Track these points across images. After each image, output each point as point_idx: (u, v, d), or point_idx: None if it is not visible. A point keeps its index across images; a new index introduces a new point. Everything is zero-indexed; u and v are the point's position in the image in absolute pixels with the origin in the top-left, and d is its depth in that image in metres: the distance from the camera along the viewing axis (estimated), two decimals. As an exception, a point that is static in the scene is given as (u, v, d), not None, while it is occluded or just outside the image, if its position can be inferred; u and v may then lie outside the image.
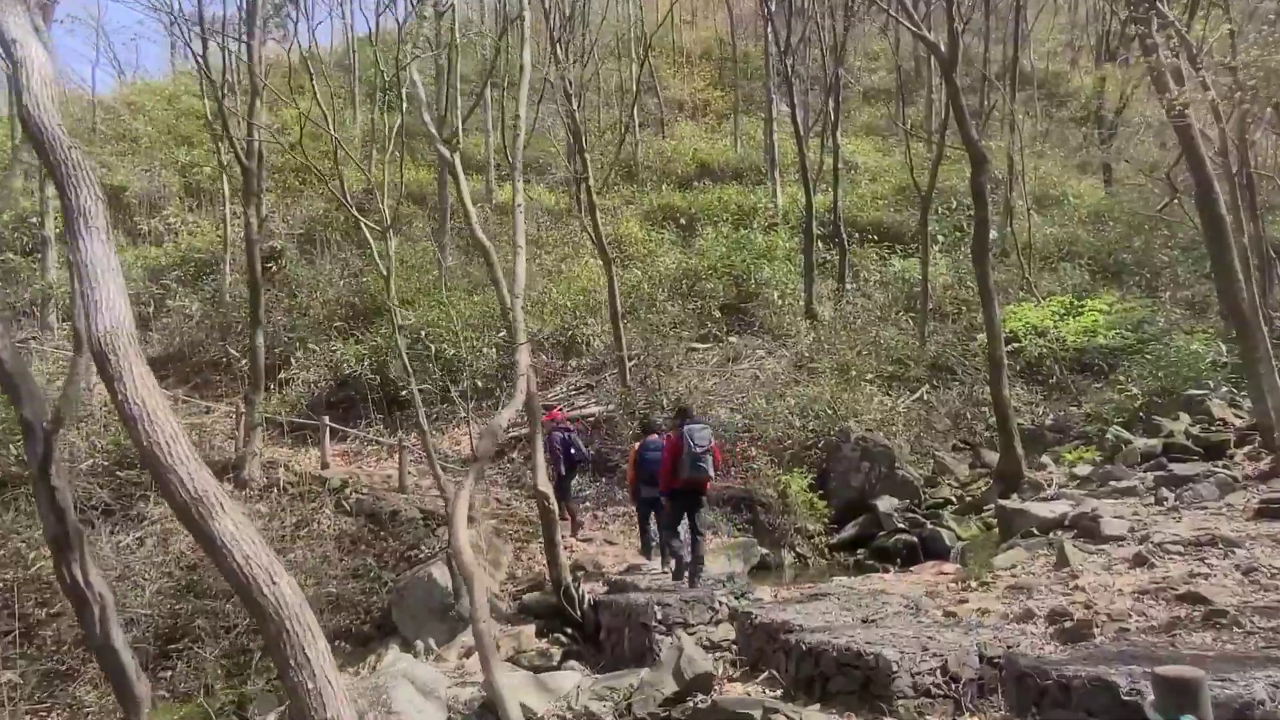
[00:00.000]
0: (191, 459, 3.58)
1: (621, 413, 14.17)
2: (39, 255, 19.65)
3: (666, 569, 9.21)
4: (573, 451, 11.61)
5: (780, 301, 19.98)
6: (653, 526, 10.02)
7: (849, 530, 12.41)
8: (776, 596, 8.50)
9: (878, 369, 17.08)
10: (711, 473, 8.32)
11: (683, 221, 24.58)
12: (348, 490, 12.54)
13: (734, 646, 7.14)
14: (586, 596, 9.49)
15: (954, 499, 13.04)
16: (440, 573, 9.52)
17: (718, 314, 19.72)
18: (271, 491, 12.61)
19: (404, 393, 15.19)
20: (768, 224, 23.73)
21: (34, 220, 20.47)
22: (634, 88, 23.07)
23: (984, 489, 13.12)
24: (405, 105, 12.78)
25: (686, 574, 8.43)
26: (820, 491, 13.03)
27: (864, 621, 6.17)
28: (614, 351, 14.99)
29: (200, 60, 14.54)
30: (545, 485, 9.63)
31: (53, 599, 9.97)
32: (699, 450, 8.09)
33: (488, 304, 17.21)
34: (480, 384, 15.56)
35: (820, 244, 22.57)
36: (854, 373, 16.23)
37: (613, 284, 14.84)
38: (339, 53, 35.14)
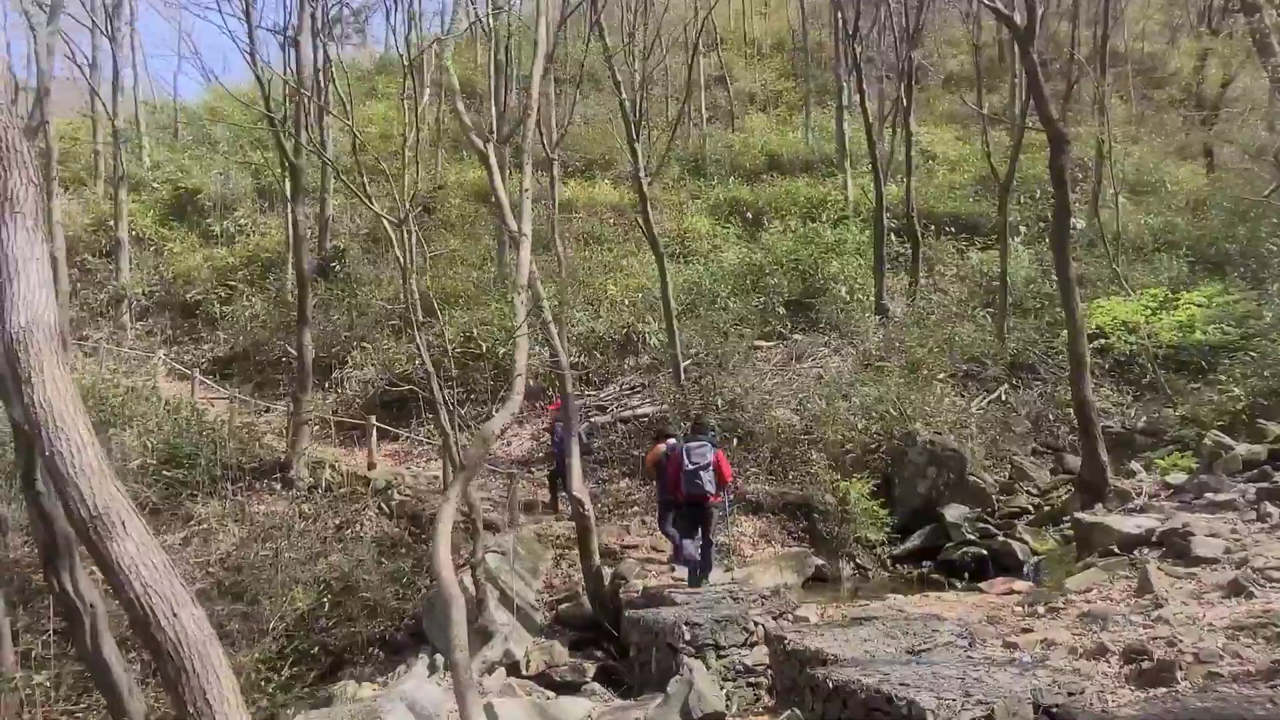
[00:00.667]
0: (98, 471, 3.18)
1: (675, 413, 13.59)
2: (115, 257, 20.14)
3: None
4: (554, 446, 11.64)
5: (849, 297, 19.10)
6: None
7: (914, 541, 11.57)
8: (823, 615, 7.82)
9: (951, 368, 16.11)
10: (710, 488, 8.77)
11: (749, 215, 23.85)
12: (391, 492, 12.29)
13: (770, 672, 6.52)
14: (625, 609, 8.99)
15: (1031, 508, 12.05)
16: (469, 581, 9.10)
17: (782, 310, 18.97)
18: (316, 492, 12.45)
19: (457, 391, 14.96)
20: (837, 217, 22.81)
21: (111, 223, 21.00)
22: (689, 77, 22.30)
23: (1064, 498, 12.10)
24: (446, 98, 12.24)
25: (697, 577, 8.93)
26: (884, 499, 12.23)
27: (908, 653, 5.47)
28: (669, 349, 14.39)
29: (250, 57, 14.41)
30: (581, 490, 9.15)
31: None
32: (691, 467, 8.64)
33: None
34: (531, 383, 15.16)
35: (893, 237, 21.60)
36: (925, 371, 15.31)
37: (665, 278, 14.27)
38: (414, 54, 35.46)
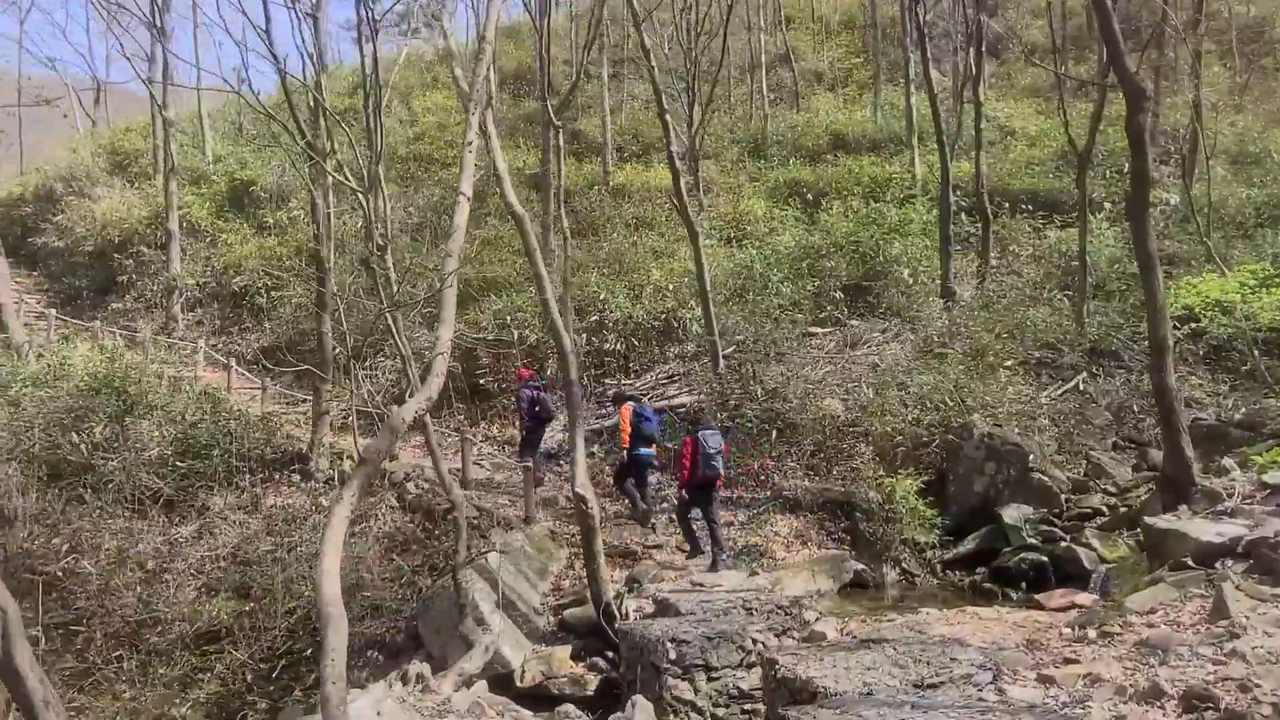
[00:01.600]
0: None
1: (711, 403, 12.71)
2: (166, 249, 20.26)
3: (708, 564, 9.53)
4: (537, 409, 12.00)
5: (911, 280, 17.86)
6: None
7: (967, 544, 10.45)
8: (843, 630, 6.89)
9: (1022, 355, 14.80)
10: (721, 470, 9.77)
11: (810, 197, 22.68)
12: (408, 484, 11.76)
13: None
14: (632, 615, 8.22)
15: (1105, 509, 10.79)
16: (467, 583, 8.44)
17: (840, 295, 17.85)
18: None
19: (483, 381, 14.41)
20: (903, 196, 21.50)
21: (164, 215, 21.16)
22: (751, 58, 21.27)
23: (1144, 498, 10.81)
24: (444, 63, 11.63)
25: (712, 558, 9.44)
26: (936, 497, 11.16)
27: (915, 687, 4.54)
28: (706, 336, 13.50)
29: (267, 38, 13.98)
30: (585, 486, 8.39)
31: (86, 596, 9.66)
32: (711, 451, 9.47)
33: (580, 286, 16.16)
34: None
35: (964, 216, 20.23)
36: (990, 358, 14.06)
37: (700, 260, 13.37)
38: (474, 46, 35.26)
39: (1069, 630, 5.90)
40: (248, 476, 11.89)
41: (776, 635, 6.15)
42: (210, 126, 29.53)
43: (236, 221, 22.98)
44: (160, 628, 9.87)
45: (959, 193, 21.27)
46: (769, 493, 11.29)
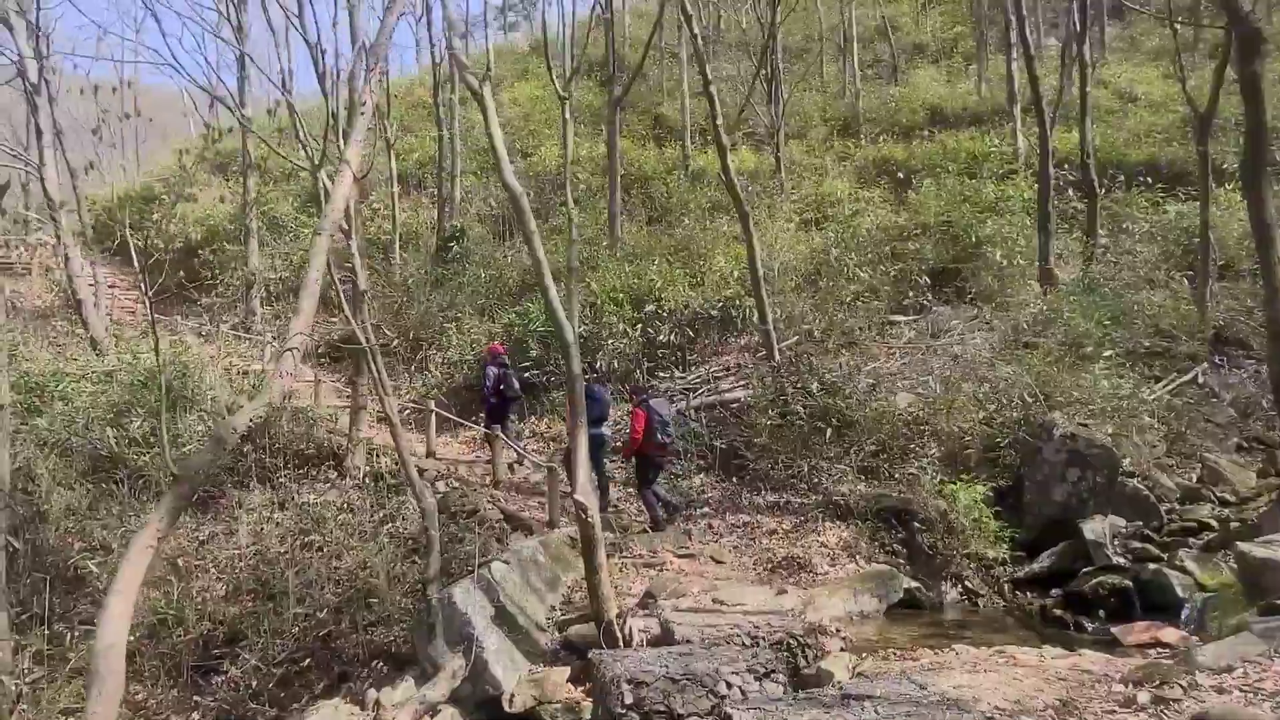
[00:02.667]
0: None
1: (763, 399, 11.71)
2: (244, 243, 20.63)
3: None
4: (502, 387, 12.05)
5: (1005, 262, 16.27)
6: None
7: (1042, 561, 9.13)
8: (854, 669, 5.90)
9: (1130, 343, 13.16)
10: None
11: (900, 176, 21.17)
12: (440, 484, 11.28)
13: (739, 756, 4.75)
14: (636, 636, 7.41)
15: (1214, 523, 9.27)
16: (462, 595, 7.83)
17: (926, 280, 16.43)
18: (368, 481, 11.67)
19: (528, 375, 13.82)
20: (1003, 171, 19.78)
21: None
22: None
23: (1264, 509, 9.25)
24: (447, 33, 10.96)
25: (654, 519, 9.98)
26: (1010, 506, 9.89)
27: (879, 769, 3.58)
28: (759, 325, 12.45)
29: (301, 30, 13.69)
30: (586, 492, 7.62)
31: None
32: (665, 419, 9.92)
33: (637, 275, 15.37)
34: (616, 364, 13.75)
35: (1071, 192, 18.44)
36: (1089, 348, 12.51)
37: (751, 243, 12.30)
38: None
39: (1120, 688, 4.75)
40: (284, 472, 11.69)
41: (758, 678, 5.21)
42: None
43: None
44: (182, 628, 9.70)
45: (1067, 166, 19.43)
46: (818, 498, 10.24)
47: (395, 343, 16.31)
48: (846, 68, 28.50)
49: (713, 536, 10.03)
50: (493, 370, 12.12)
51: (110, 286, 23.41)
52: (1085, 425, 9.96)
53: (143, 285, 6.92)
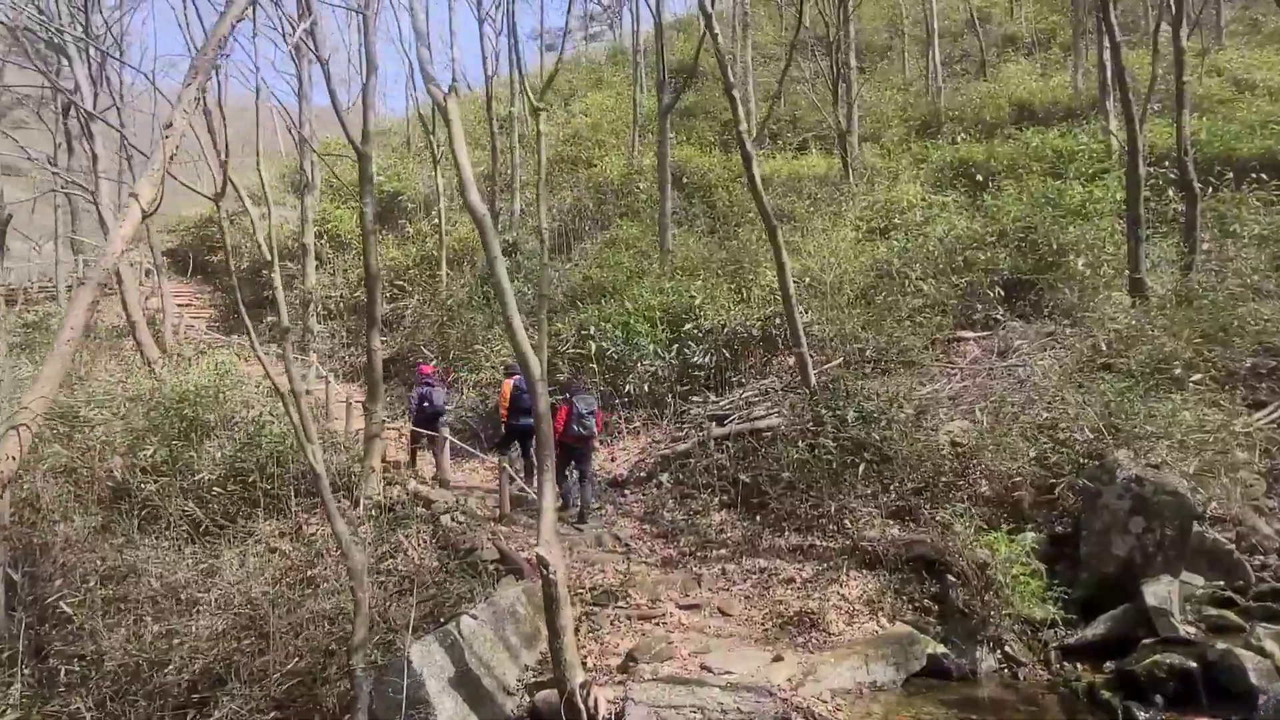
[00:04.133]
0: None
1: (794, 428, 10.71)
2: (301, 262, 20.75)
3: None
4: (426, 405, 12.71)
5: (1089, 272, 14.72)
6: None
7: (1097, 627, 7.84)
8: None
9: (1229, 363, 11.54)
10: (593, 430, 11.04)
11: (978, 178, 19.64)
12: (447, 518, 10.72)
13: None
14: (603, 708, 6.62)
15: (1317, 586, 7.81)
16: (421, 654, 7.18)
17: (998, 292, 15.03)
18: (374, 513, 11.21)
19: (555, 399, 13.14)
20: (1093, 171, 18.07)
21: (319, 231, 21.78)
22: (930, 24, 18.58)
23: (1380, 572, 7.76)
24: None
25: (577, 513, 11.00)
26: (1066, 557, 8.62)
27: None
28: (793, 346, 11.41)
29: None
30: (550, 544, 6.87)
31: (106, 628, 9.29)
32: (584, 411, 10.84)
33: (677, 290, 14.52)
34: (647, 389, 12.95)
35: (1171, 192, 16.64)
36: (1178, 369, 11.00)
37: (781, 258, 11.25)
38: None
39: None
40: (296, 501, 11.38)
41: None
42: (384, 143, 30.60)
43: (380, 234, 23.30)
44: (175, 665, 9.41)
45: (1168, 163, 17.58)
46: (845, 543, 9.20)
47: (434, 363, 15.91)
48: (929, 64, 26.92)
49: (725, 584, 9.12)
50: (416, 391, 13.06)
51: (185, 305, 24.05)
52: (1157, 466, 8.59)
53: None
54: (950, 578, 8.35)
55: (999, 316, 14.70)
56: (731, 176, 23.01)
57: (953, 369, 13.15)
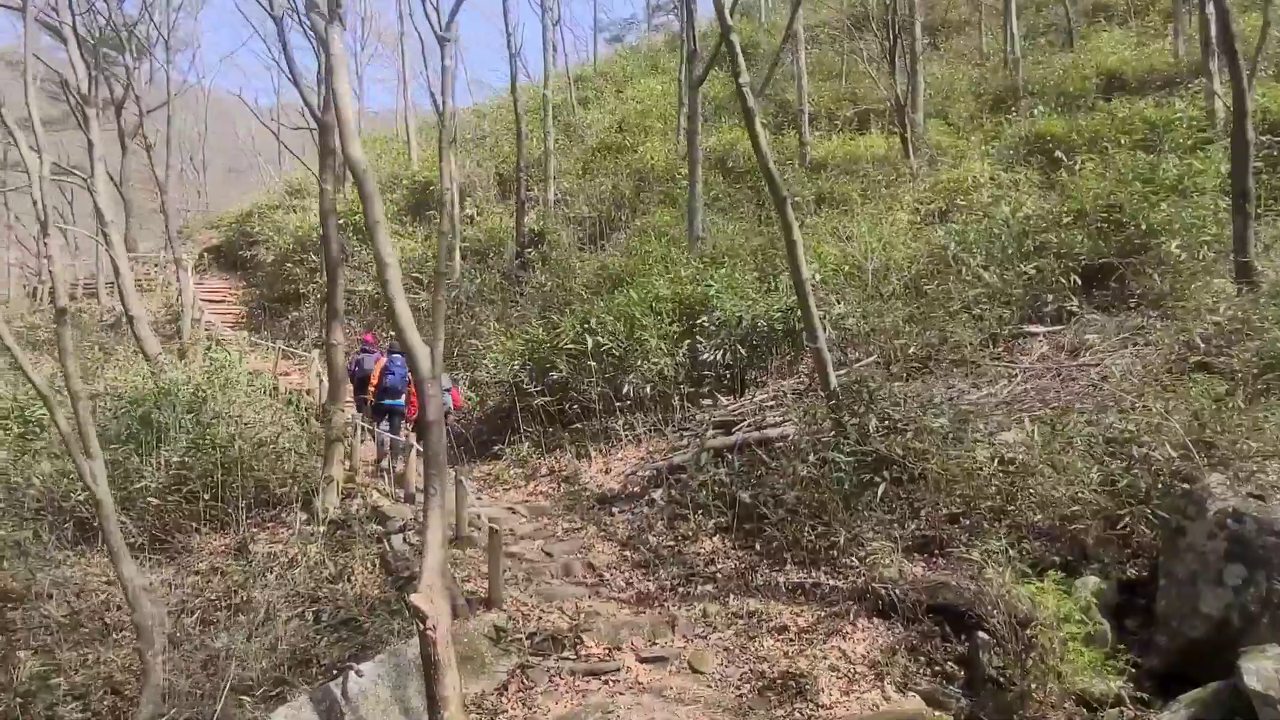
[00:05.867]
0: None
1: (809, 439, 8.93)
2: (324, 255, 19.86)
3: None
4: (353, 371, 12.10)
5: (1183, 255, 12.46)
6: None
7: (1177, 713, 5.88)
8: None
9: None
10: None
11: (1056, 154, 17.33)
12: (398, 538, 9.34)
13: None
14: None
15: None
16: (287, 718, 5.75)
17: (1069, 280, 12.87)
18: (334, 526, 9.93)
19: (543, 401, 11.66)
20: (1192, 142, 15.62)
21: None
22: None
23: None
24: None
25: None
26: (1139, 610, 6.67)
27: None
28: (809, 342, 9.57)
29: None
30: (431, 590, 5.36)
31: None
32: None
33: (692, 279, 12.84)
34: (649, 390, 11.33)
35: (1285, 163, 14.20)
36: (1289, 375, 8.83)
37: (792, 236, 9.40)
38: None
39: None
40: (248, 514, 10.19)
41: None
42: (430, 137, 29.84)
43: (411, 226, 22.32)
44: (81, 701, 8.27)
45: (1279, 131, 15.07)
46: (855, 582, 7.42)
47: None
48: (1006, 34, 24.51)
49: (704, 629, 7.44)
50: (351, 359, 12.48)
51: (218, 300, 23.51)
52: (1263, 496, 6.56)
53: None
54: (982, 635, 6.50)
55: (1074, 308, 12.56)
56: (782, 159, 21.18)
57: (1013, 369, 11.15)
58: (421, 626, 5.20)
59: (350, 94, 6.32)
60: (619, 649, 7.16)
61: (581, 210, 21.63)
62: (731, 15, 11.23)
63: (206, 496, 9.90)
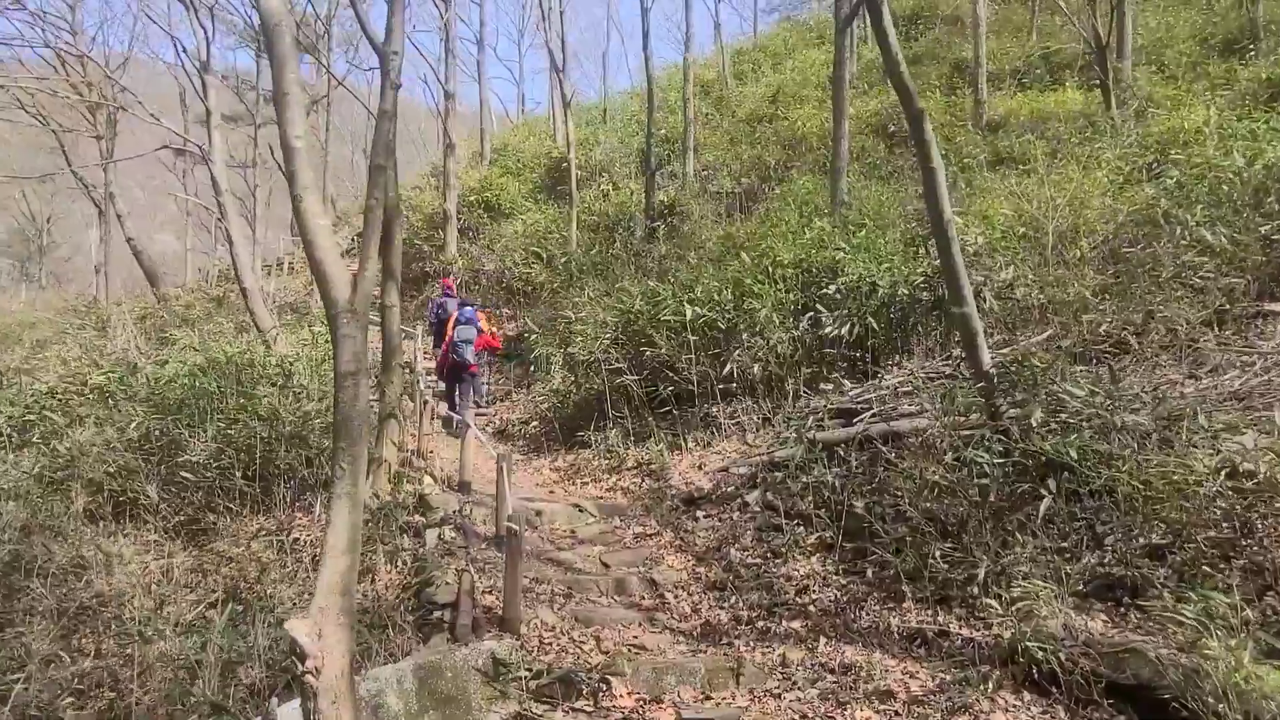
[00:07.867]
0: None
1: (947, 435, 6.68)
2: (444, 231, 19.14)
3: None
4: (434, 319, 12.95)
5: None
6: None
7: None
8: None
9: None
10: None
11: (1312, 94, 13.78)
12: (436, 532, 7.85)
13: None
14: None
15: None
16: None
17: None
18: (383, 514, 8.60)
19: (669, 388, 9.84)
20: None
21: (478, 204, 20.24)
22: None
23: None
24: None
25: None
26: None
27: None
28: (954, 308, 7.22)
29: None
30: (321, 616, 3.70)
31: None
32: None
33: (819, 243, 10.68)
34: (758, 371, 9.31)
35: None
36: None
37: (931, 163, 7.12)
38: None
39: None
40: (294, 495, 9.08)
41: None
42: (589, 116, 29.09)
43: (546, 202, 21.25)
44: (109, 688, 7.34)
45: None
46: (999, 634, 5.20)
47: (536, 339, 13.20)
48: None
49: (777, 684, 5.42)
50: (432, 304, 12.32)
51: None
52: None
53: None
54: (1143, 699, 4.17)
55: (1337, 284, 9.49)
56: (955, 121, 18.45)
57: (1248, 355, 8.34)
58: (299, 669, 3.58)
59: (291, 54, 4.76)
60: (658, 701, 5.29)
61: (724, 184, 19.77)
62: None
63: (239, 476, 8.82)
